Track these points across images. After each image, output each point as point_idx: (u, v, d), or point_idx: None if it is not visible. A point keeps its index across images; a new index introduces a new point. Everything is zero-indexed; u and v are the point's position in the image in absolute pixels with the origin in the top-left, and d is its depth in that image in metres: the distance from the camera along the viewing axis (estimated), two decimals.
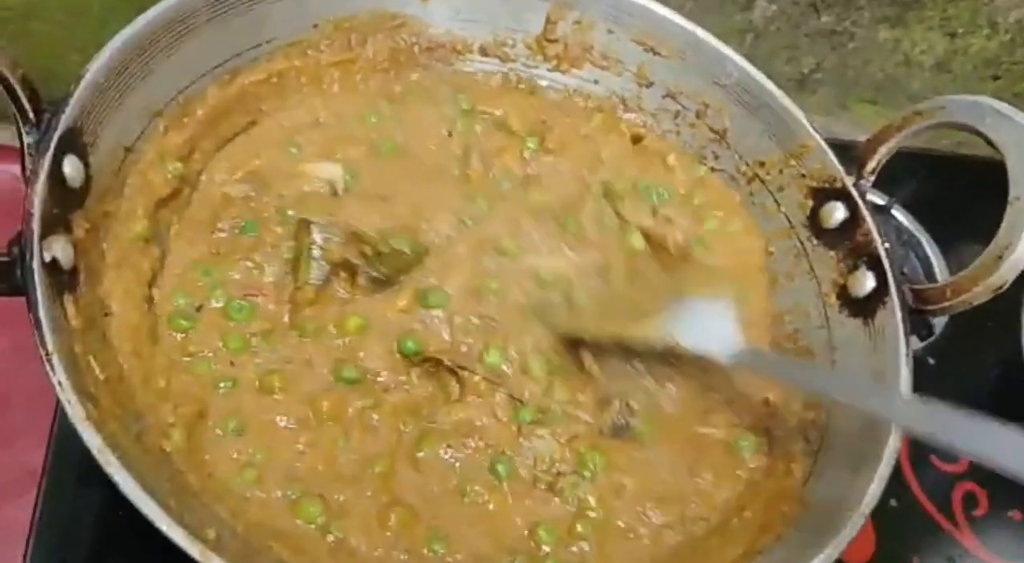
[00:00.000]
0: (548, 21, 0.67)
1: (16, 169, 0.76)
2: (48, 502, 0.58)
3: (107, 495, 0.57)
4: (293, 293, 0.57)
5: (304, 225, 0.58)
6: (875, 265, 0.57)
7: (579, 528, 0.54)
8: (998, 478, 0.71)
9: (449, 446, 0.55)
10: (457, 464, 0.54)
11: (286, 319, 0.56)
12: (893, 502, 0.69)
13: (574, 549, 0.53)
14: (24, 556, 0.56)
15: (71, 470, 0.59)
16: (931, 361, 0.75)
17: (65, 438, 0.60)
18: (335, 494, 0.52)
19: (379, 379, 0.56)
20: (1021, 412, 0.45)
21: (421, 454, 0.54)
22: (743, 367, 0.56)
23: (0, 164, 0.75)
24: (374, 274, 0.59)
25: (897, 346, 0.54)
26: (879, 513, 0.66)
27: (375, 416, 0.55)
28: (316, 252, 0.57)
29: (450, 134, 0.66)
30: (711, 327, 0.55)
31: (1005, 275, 0.52)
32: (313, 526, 0.50)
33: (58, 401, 0.59)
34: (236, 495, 0.50)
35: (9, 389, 0.67)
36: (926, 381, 0.61)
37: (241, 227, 0.58)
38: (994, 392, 0.79)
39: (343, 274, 0.58)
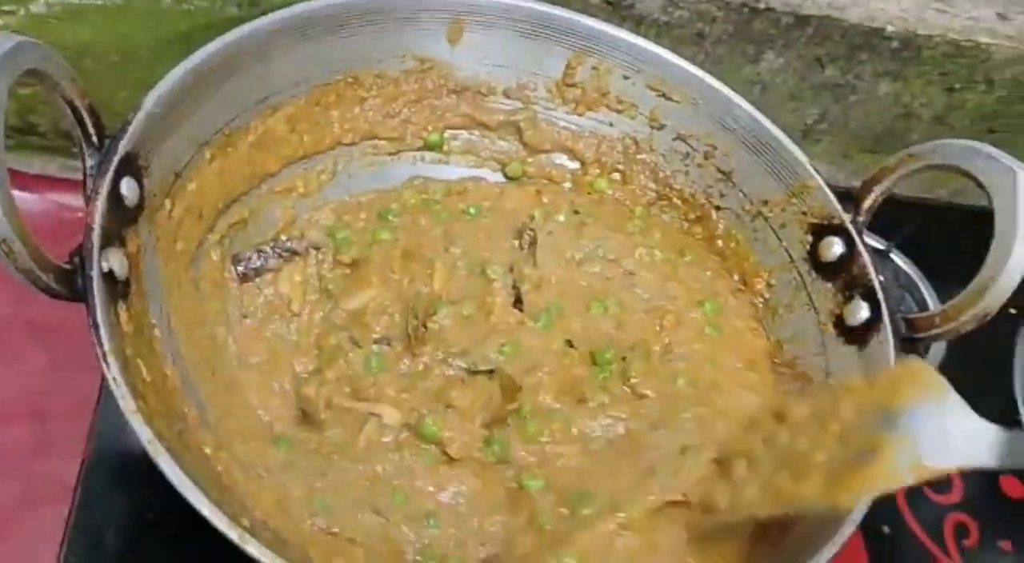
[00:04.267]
0: (568, 67, 0.71)
1: (63, 199, 0.80)
2: (81, 509, 0.61)
3: (135, 508, 0.61)
4: None
5: None
6: (870, 296, 0.60)
7: None
8: (989, 510, 0.73)
9: None
10: None
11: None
12: (887, 529, 0.71)
13: None
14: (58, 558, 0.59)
15: (104, 481, 0.62)
16: None
17: (101, 451, 0.63)
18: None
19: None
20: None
21: None
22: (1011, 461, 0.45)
23: (50, 194, 0.80)
24: None
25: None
26: (873, 539, 0.69)
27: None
28: None
29: None
30: (956, 431, 0.44)
31: (991, 303, 0.55)
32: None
33: (95, 415, 0.63)
34: (269, 494, 0.53)
35: (46, 404, 0.69)
36: None
37: None
38: None
39: None
